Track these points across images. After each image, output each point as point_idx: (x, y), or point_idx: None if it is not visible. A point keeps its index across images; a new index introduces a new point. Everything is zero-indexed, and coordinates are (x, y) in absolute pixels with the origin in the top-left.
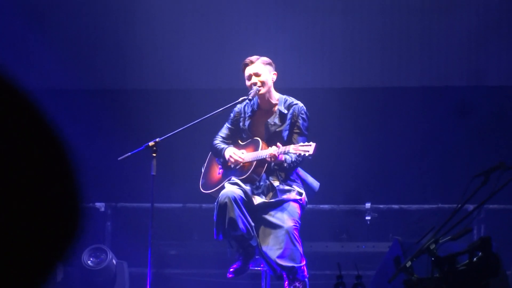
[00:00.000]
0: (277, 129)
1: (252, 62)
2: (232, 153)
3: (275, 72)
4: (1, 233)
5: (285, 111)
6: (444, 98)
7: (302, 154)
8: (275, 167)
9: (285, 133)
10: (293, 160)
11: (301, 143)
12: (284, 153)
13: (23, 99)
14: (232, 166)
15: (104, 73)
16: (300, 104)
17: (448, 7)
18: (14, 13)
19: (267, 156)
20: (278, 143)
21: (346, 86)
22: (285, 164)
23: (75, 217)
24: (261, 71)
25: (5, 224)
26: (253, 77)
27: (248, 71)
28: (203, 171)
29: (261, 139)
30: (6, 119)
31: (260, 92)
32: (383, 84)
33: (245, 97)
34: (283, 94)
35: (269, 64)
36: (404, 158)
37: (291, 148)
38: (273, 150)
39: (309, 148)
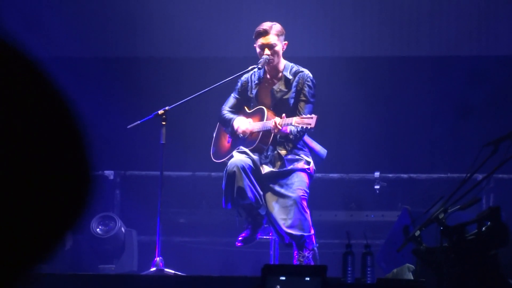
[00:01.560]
0: (284, 96)
1: (266, 33)
2: (241, 124)
3: (286, 42)
4: (10, 201)
5: (291, 77)
6: (454, 68)
7: (304, 127)
8: (281, 139)
9: (291, 101)
10: (298, 131)
11: (303, 116)
12: (288, 124)
13: (33, 67)
14: (241, 135)
15: (114, 41)
16: (306, 72)
17: None
18: None
19: (271, 126)
20: (283, 114)
21: (356, 55)
22: (291, 136)
23: (85, 185)
24: (274, 42)
25: (14, 192)
26: (266, 49)
27: (261, 41)
28: (214, 138)
29: (267, 107)
30: (16, 87)
31: (271, 63)
32: (393, 53)
33: (254, 66)
34: (290, 62)
35: (282, 34)
36: (414, 127)
37: (293, 120)
38: (276, 120)
39: (310, 121)
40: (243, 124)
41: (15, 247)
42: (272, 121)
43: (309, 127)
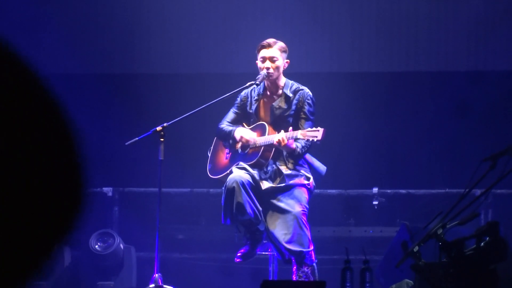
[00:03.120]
0: (283, 114)
1: (270, 46)
2: (244, 133)
3: (288, 60)
4: (5, 215)
5: (291, 95)
6: (452, 83)
7: (311, 139)
8: (286, 154)
9: (291, 118)
10: (303, 145)
11: (309, 128)
12: (293, 138)
13: (35, 82)
14: (240, 150)
15: (112, 57)
16: (306, 90)
17: None
18: None
19: (275, 141)
20: (290, 128)
21: (354, 71)
22: (297, 151)
23: (78, 201)
24: (277, 56)
25: (10, 207)
26: (268, 61)
27: (264, 53)
28: (209, 155)
29: (267, 122)
30: (18, 101)
31: (271, 78)
32: (391, 69)
33: (253, 82)
34: (290, 78)
35: (285, 51)
36: (412, 142)
37: (299, 133)
38: (281, 135)
39: (317, 134)
40: (246, 133)
41: (10, 262)
42: (279, 136)
43: (315, 140)
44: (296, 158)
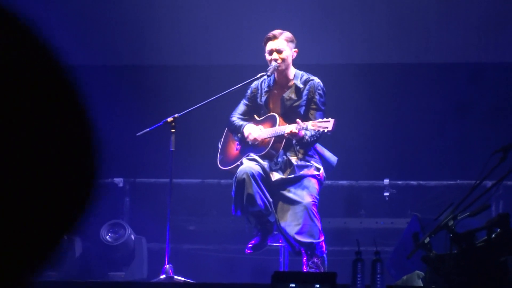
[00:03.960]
0: (293, 104)
1: (275, 37)
2: (252, 131)
3: (296, 49)
4: (15, 205)
5: (301, 86)
6: (463, 74)
7: (321, 130)
8: (296, 143)
9: (302, 108)
10: (312, 134)
11: (320, 119)
12: (303, 129)
13: (58, 72)
14: (250, 142)
15: (123, 49)
16: (317, 80)
17: None
18: None
19: (286, 132)
20: (297, 119)
21: (364, 62)
22: (305, 139)
23: (89, 191)
24: (283, 47)
25: (20, 196)
26: (275, 53)
27: (270, 46)
28: (219, 147)
29: (277, 114)
30: (37, 90)
31: (279, 69)
32: (402, 60)
33: (264, 73)
34: (300, 70)
35: (291, 41)
36: (423, 134)
37: (310, 124)
38: (292, 127)
39: (328, 124)
40: (254, 131)
41: (19, 252)
42: (291, 127)
43: (325, 131)
44: (305, 147)
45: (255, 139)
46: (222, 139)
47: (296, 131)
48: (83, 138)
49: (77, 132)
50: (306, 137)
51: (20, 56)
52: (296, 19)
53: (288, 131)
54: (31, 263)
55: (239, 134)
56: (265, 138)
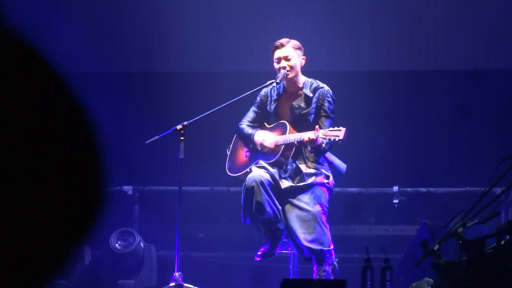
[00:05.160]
0: (302, 112)
1: (282, 46)
2: (263, 139)
3: (304, 57)
4: (26, 213)
5: (311, 95)
6: (472, 81)
7: (332, 139)
8: (311, 150)
9: (311, 117)
10: (327, 142)
11: (331, 128)
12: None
13: (56, 81)
14: (260, 148)
15: (132, 56)
16: (326, 88)
17: None
18: None
19: (305, 140)
20: (317, 126)
21: (373, 69)
22: (322, 147)
23: (99, 200)
24: (291, 55)
25: (30, 205)
26: (283, 61)
27: (278, 54)
28: (228, 153)
29: (287, 121)
30: (39, 100)
31: (288, 77)
32: (411, 67)
33: (273, 81)
34: (309, 77)
35: (299, 48)
36: (432, 141)
37: (321, 133)
38: (308, 134)
39: (339, 133)
40: (268, 137)
41: (30, 261)
42: (306, 135)
43: (337, 139)
44: (318, 154)
45: (266, 147)
46: (231, 145)
47: (315, 137)
48: (90, 147)
49: (83, 141)
50: (323, 145)
51: (24, 68)
52: (305, 26)
53: (307, 138)
54: (43, 272)
55: (250, 144)
56: (275, 146)
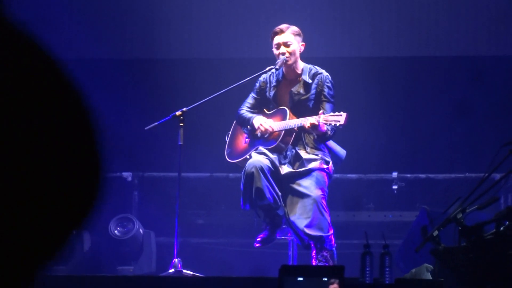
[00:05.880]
0: (302, 98)
1: (282, 31)
2: (263, 121)
3: (303, 43)
4: (23, 199)
5: (310, 81)
6: (473, 68)
7: (333, 124)
8: (316, 138)
9: (310, 103)
10: (331, 127)
11: (332, 113)
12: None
13: (53, 67)
14: (260, 135)
15: (132, 43)
16: (325, 73)
17: None
18: None
19: (307, 125)
20: (320, 111)
21: (373, 55)
22: (328, 133)
23: (96, 186)
24: (290, 41)
25: (28, 191)
26: (282, 46)
27: (277, 40)
28: (227, 140)
29: (287, 108)
30: (36, 86)
31: (288, 63)
32: (411, 53)
33: (272, 67)
34: (308, 63)
35: (298, 34)
36: (432, 127)
37: (321, 118)
38: (310, 120)
39: (340, 118)
40: (265, 122)
41: (28, 247)
42: (308, 120)
43: (338, 124)
44: (323, 141)
45: (266, 131)
46: (230, 131)
47: (316, 122)
48: (88, 132)
49: (81, 127)
50: (328, 132)
51: (19, 54)
52: (305, 12)
53: (309, 124)
54: (40, 258)
55: (248, 126)
56: (275, 131)
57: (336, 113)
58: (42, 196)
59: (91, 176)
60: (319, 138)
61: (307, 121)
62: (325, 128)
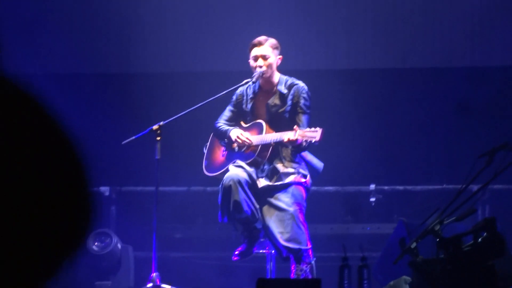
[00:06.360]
0: (279, 110)
1: (260, 44)
2: (240, 134)
3: (281, 56)
4: (8, 220)
5: (285, 91)
6: (448, 79)
7: (309, 141)
8: (291, 148)
9: (287, 114)
10: (305, 140)
11: (308, 129)
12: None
13: (23, 87)
14: (237, 149)
15: (108, 57)
16: (301, 84)
17: None
18: None
19: (285, 140)
20: (295, 126)
21: (349, 68)
22: (303, 145)
23: (85, 201)
24: (268, 54)
25: (11, 212)
26: (260, 59)
27: (255, 52)
28: (205, 151)
29: (264, 121)
30: (9, 107)
31: (265, 76)
32: (387, 65)
33: (249, 80)
34: (285, 75)
35: (276, 47)
36: (409, 139)
37: (297, 134)
38: (288, 135)
39: (315, 134)
40: (242, 135)
41: (15, 267)
42: (286, 135)
43: (313, 141)
44: (298, 152)
45: (243, 143)
46: (208, 144)
47: (295, 138)
48: (66, 149)
49: (59, 144)
50: (304, 144)
51: None
52: (281, 25)
53: (287, 139)
54: (38, 275)
55: (225, 139)
56: (252, 145)
57: (312, 129)
58: (22, 213)
59: (76, 192)
60: (295, 149)
61: (285, 137)
62: (301, 140)
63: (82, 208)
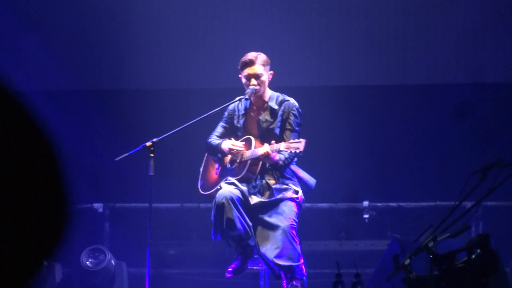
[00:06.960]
0: (270, 126)
1: (252, 63)
2: (231, 144)
3: (272, 72)
4: None
5: (276, 107)
6: (442, 96)
7: (293, 151)
8: (269, 167)
9: (277, 130)
10: (286, 157)
11: (292, 140)
12: (277, 151)
13: (13, 101)
14: (229, 165)
15: (101, 74)
16: (292, 101)
17: (445, 4)
18: (8, 13)
19: (259, 154)
20: (272, 141)
21: (342, 84)
22: (280, 162)
23: (63, 217)
24: (260, 72)
25: None
26: (253, 79)
27: (248, 71)
28: (201, 171)
29: (254, 136)
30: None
31: (257, 93)
32: (380, 82)
33: (242, 97)
34: (276, 92)
35: (267, 64)
36: (402, 155)
37: (282, 145)
38: (266, 148)
39: (299, 145)
40: (235, 143)
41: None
42: (264, 149)
43: (297, 151)
44: (280, 170)
45: (238, 152)
46: (203, 163)
47: (270, 152)
48: (54, 165)
49: (47, 159)
50: (280, 162)
51: None
52: (273, 41)
53: (262, 153)
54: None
55: (218, 154)
56: (241, 161)
57: (296, 140)
58: (12, 228)
59: (59, 208)
60: (272, 168)
61: (260, 151)
62: (277, 157)
63: (59, 224)
